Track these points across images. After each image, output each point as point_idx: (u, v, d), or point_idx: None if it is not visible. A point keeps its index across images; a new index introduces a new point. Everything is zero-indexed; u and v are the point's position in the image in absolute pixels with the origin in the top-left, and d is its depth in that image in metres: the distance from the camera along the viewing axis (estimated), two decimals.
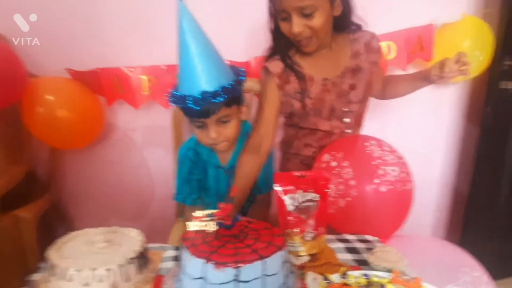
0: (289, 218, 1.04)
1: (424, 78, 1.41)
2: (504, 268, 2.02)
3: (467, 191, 2.19)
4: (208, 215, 0.91)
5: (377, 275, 0.84)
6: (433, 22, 1.91)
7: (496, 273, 1.28)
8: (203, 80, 1.11)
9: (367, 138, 1.34)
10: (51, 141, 1.81)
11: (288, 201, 1.04)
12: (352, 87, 1.38)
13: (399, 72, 1.92)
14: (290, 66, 1.34)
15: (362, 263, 0.99)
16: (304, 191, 1.04)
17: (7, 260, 1.65)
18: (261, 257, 0.79)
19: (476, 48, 1.88)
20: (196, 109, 1.13)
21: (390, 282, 0.81)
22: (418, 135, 2.17)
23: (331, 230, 1.18)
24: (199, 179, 1.41)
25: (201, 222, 0.90)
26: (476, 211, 2.18)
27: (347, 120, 1.42)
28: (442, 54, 1.86)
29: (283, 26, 1.27)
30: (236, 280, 0.77)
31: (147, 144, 2.06)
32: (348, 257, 1.03)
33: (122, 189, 2.10)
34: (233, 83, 1.16)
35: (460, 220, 2.26)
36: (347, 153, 1.26)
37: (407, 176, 1.24)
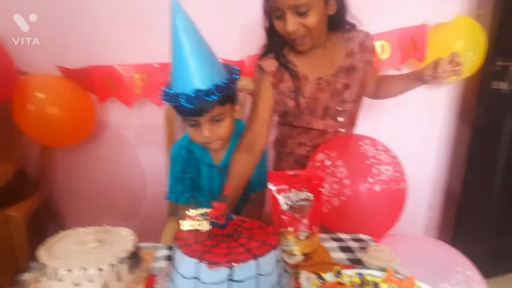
0: (283, 217, 1.04)
1: (417, 78, 1.42)
2: (495, 266, 2.03)
3: (459, 191, 2.21)
4: (201, 214, 0.90)
5: (371, 274, 0.84)
6: (426, 22, 1.91)
7: (487, 272, 1.29)
8: (197, 78, 1.10)
9: (361, 137, 1.34)
10: (42, 139, 1.79)
11: (282, 200, 1.04)
12: (346, 86, 1.38)
13: (393, 71, 1.93)
14: (284, 65, 1.34)
15: (356, 262, 0.99)
16: (298, 190, 1.04)
17: None
18: (255, 257, 0.78)
19: (469, 48, 1.89)
20: (189, 108, 1.12)
21: (384, 281, 0.81)
22: (411, 135, 2.18)
23: (325, 229, 1.17)
24: (192, 178, 1.40)
25: (194, 221, 0.89)
26: (468, 211, 2.19)
27: (341, 119, 1.42)
28: (435, 54, 1.87)
29: (278, 24, 1.27)
30: (230, 279, 0.76)
31: (140, 142, 2.05)
32: (342, 256, 1.03)
33: (114, 188, 2.09)
34: (226, 81, 1.15)
35: (452, 219, 2.28)
36: (341, 152, 1.26)
37: (400, 175, 1.25)
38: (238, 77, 1.21)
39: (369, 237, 1.13)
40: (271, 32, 1.32)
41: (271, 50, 1.36)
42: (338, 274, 0.84)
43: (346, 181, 1.18)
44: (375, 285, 0.79)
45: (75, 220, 2.10)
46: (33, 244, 1.43)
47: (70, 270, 0.83)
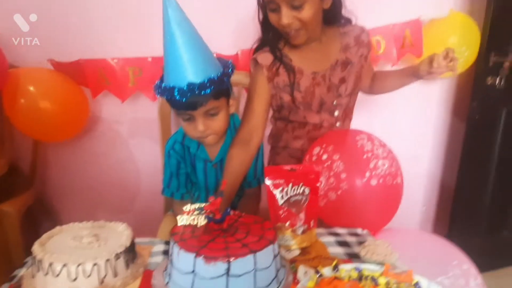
0: (280, 212, 1.03)
1: (412, 74, 1.42)
2: (489, 261, 2.05)
3: (453, 186, 2.22)
4: (197, 209, 0.89)
5: (368, 268, 0.84)
6: (420, 18, 1.91)
7: (482, 266, 1.30)
8: (189, 71, 1.09)
9: (358, 131, 1.34)
10: (34, 133, 1.77)
11: (279, 195, 1.03)
12: (342, 80, 1.38)
13: (389, 67, 1.93)
14: (279, 58, 1.33)
15: (353, 257, 0.99)
16: (294, 185, 1.03)
17: None
18: (252, 251, 0.78)
19: (463, 44, 1.90)
20: (183, 101, 1.11)
21: (381, 275, 0.81)
22: (405, 130, 2.19)
23: (321, 224, 1.17)
24: (187, 173, 1.39)
25: (190, 216, 0.89)
26: (462, 206, 2.21)
27: (336, 113, 1.42)
28: (429, 49, 1.88)
29: (272, 17, 1.26)
30: (227, 274, 0.76)
31: (134, 137, 2.03)
32: (339, 250, 1.03)
33: (108, 183, 2.07)
34: (220, 75, 1.14)
35: (447, 214, 2.29)
36: (338, 146, 1.26)
37: (396, 170, 1.25)
38: (232, 70, 1.20)
39: (366, 231, 1.14)
40: (266, 26, 1.31)
41: (266, 43, 1.35)
42: (335, 268, 0.84)
43: (343, 175, 1.18)
44: (373, 279, 0.79)
45: (70, 215, 2.08)
46: (27, 240, 1.42)
47: (65, 266, 0.82)
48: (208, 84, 1.10)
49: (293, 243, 1.03)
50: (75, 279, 0.83)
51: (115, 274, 0.87)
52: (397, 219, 1.32)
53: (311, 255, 1.00)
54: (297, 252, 1.01)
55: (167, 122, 1.62)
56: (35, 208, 1.96)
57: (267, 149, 1.56)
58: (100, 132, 1.99)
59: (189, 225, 0.88)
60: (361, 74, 1.44)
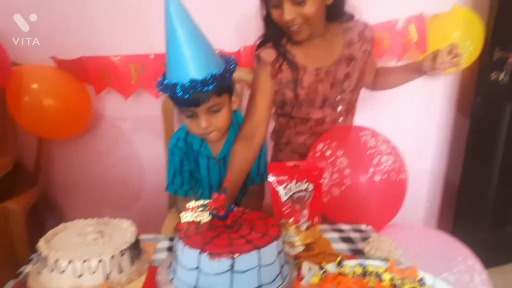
0: (283, 208, 1.03)
1: (416, 70, 1.41)
2: (493, 257, 2.04)
3: (457, 182, 2.21)
4: (201, 206, 0.90)
5: (372, 265, 0.84)
6: (423, 13, 1.90)
7: (486, 262, 1.30)
8: (192, 68, 1.08)
9: (362, 128, 1.34)
10: (37, 130, 1.78)
11: (282, 192, 1.03)
12: (347, 76, 1.37)
13: (393, 62, 1.92)
14: (283, 55, 1.32)
15: (357, 253, 0.99)
16: (298, 181, 1.03)
17: None
18: (256, 247, 0.78)
19: (466, 38, 1.89)
20: (186, 98, 1.10)
21: (386, 271, 0.81)
22: (409, 126, 2.18)
23: (325, 220, 1.17)
24: (190, 170, 1.39)
25: (194, 213, 0.89)
26: (466, 202, 2.20)
27: (339, 108, 1.41)
28: (433, 45, 1.87)
29: (275, 13, 1.25)
30: (232, 270, 0.76)
31: (137, 134, 2.03)
32: (343, 246, 1.03)
33: (112, 180, 2.08)
34: (222, 71, 1.14)
35: (451, 210, 2.28)
36: (341, 142, 1.26)
37: (400, 166, 1.25)
38: (234, 67, 1.19)
39: (370, 228, 1.14)
40: (269, 22, 1.31)
41: (269, 39, 1.35)
42: (339, 264, 0.84)
43: (347, 171, 1.18)
44: (377, 275, 0.79)
45: (74, 212, 2.09)
46: (32, 237, 1.43)
47: (71, 262, 0.82)
48: (210, 81, 1.10)
49: (297, 240, 1.03)
50: (80, 276, 0.83)
51: (120, 271, 0.87)
52: (401, 215, 1.32)
53: (315, 251, 1.00)
54: (301, 249, 1.01)
55: (170, 119, 1.62)
56: (40, 206, 1.97)
57: (270, 146, 1.56)
58: (104, 130, 2.00)
59: (193, 221, 0.89)
60: (365, 70, 1.43)
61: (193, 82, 1.08)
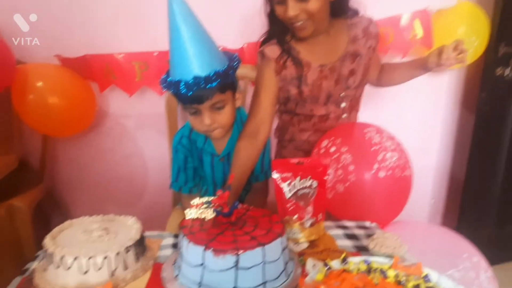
0: (288, 205, 1.03)
1: (421, 66, 1.40)
2: (498, 254, 2.04)
3: (463, 178, 2.20)
4: (205, 203, 0.90)
5: (377, 261, 0.84)
6: (428, 8, 1.89)
7: (491, 259, 1.29)
8: (195, 64, 1.08)
9: (366, 124, 1.34)
10: (42, 128, 1.79)
11: (286, 188, 1.03)
12: (351, 72, 1.37)
13: (399, 58, 1.91)
14: (287, 51, 1.32)
15: (362, 249, 0.99)
16: (302, 178, 1.03)
17: (2, 250, 1.63)
18: (261, 244, 0.78)
19: (471, 34, 1.87)
20: (189, 95, 1.11)
21: (390, 267, 0.81)
22: (414, 122, 2.17)
23: (329, 217, 1.17)
24: (194, 167, 1.40)
25: (198, 210, 0.89)
26: (472, 198, 2.19)
27: (343, 104, 1.41)
28: (438, 40, 1.86)
29: (278, 10, 1.25)
30: (236, 267, 0.76)
31: (141, 131, 2.04)
32: (347, 243, 1.03)
33: (117, 177, 2.09)
34: (226, 68, 1.13)
35: (456, 206, 2.28)
36: (346, 138, 1.25)
37: (405, 162, 1.24)
38: (238, 64, 1.19)
39: (374, 224, 1.13)
40: (273, 18, 1.30)
41: (273, 36, 1.34)
42: (344, 261, 0.84)
43: (351, 167, 1.18)
44: (382, 272, 0.79)
45: (79, 210, 2.11)
46: (38, 234, 1.43)
47: (77, 259, 0.83)
48: (214, 78, 1.10)
49: (301, 236, 1.03)
50: (86, 272, 0.83)
51: (126, 267, 0.88)
52: (406, 212, 1.32)
53: (320, 248, 1.00)
54: (305, 245, 1.01)
55: (174, 116, 1.62)
56: (45, 203, 1.98)
57: (274, 143, 1.56)
58: (108, 127, 2.00)
59: (198, 218, 0.89)
60: (369, 66, 1.42)
61: (196, 79, 1.08)
